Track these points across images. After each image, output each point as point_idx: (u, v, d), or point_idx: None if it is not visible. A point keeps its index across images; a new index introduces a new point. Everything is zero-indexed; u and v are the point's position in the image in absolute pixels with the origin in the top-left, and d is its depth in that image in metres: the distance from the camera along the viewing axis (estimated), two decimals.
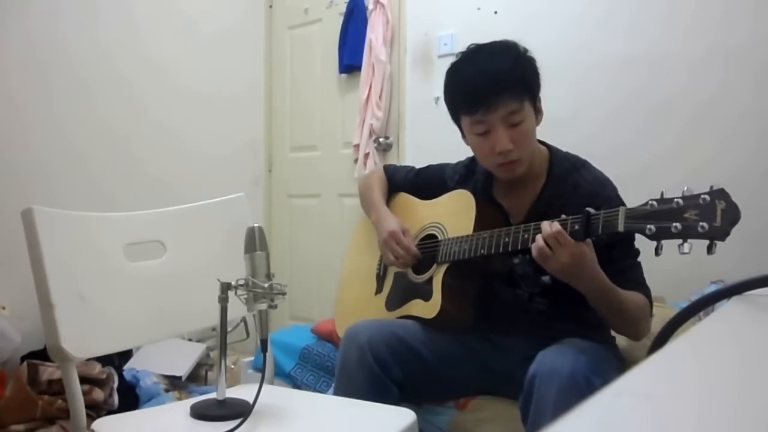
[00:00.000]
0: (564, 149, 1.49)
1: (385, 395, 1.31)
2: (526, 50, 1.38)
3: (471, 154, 1.64)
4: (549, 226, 1.19)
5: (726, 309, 0.59)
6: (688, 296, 1.68)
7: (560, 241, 1.17)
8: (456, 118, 1.42)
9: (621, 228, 1.12)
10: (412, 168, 1.71)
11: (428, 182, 1.63)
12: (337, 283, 1.80)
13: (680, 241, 1.05)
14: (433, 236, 1.52)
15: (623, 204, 1.25)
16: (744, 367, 0.42)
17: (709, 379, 0.39)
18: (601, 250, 1.25)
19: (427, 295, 1.44)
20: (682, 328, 0.57)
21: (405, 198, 1.67)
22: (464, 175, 1.56)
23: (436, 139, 2.72)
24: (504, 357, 1.42)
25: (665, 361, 0.42)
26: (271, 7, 3.45)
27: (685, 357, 0.43)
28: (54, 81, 2.59)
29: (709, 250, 1.02)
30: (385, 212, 1.61)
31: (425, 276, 1.48)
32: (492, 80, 1.31)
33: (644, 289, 1.34)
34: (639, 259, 1.37)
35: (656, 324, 1.60)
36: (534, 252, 1.20)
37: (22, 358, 2.18)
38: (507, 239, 1.29)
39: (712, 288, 1.64)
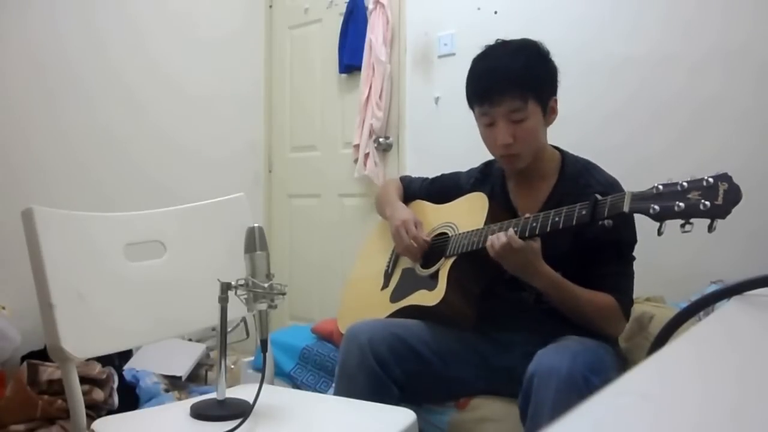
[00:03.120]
0: (565, 149, 1.52)
1: (386, 395, 1.31)
2: (547, 52, 1.43)
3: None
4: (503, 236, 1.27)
5: (726, 309, 0.58)
6: (688, 296, 1.68)
7: (513, 245, 1.26)
8: (471, 106, 1.48)
9: (626, 208, 1.15)
10: (427, 178, 1.76)
11: (443, 188, 1.67)
12: (341, 284, 1.81)
13: (682, 221, 1.08)
14: (444, 234, 1.54)
15: None
16: (744, 367, 0.42)
17: (709, 379, 0.39)
18: (588, 251, 1.30)
19: (432, 286, 1.46)
20: (682, 328, 0.57)
21: (420, 203, 1.71)
22: (480, 179, 1.60)
23: (436, 139, 2.73)
24: (505, 352, 1.43)
25: (665, 361, 0.42)
26: (271, 7, 3.45)
27: (685, 357, 0.43)
28: (54, 82, 2.58)
29: (710, 228, 1.06)
30: (401, 206, 1.66)
31: (432, 269, 1.50)
32: (498, 78, 1.38)
33: (621, 296, 1.36)
34: (633, 272, 1.40)
35: (656, 324, 1.61)
36: (491, 252, 1.29)
37: (22, 358, 2.18)
38: (516, 228, 1.31)
39: (712, 288, 1.64)
